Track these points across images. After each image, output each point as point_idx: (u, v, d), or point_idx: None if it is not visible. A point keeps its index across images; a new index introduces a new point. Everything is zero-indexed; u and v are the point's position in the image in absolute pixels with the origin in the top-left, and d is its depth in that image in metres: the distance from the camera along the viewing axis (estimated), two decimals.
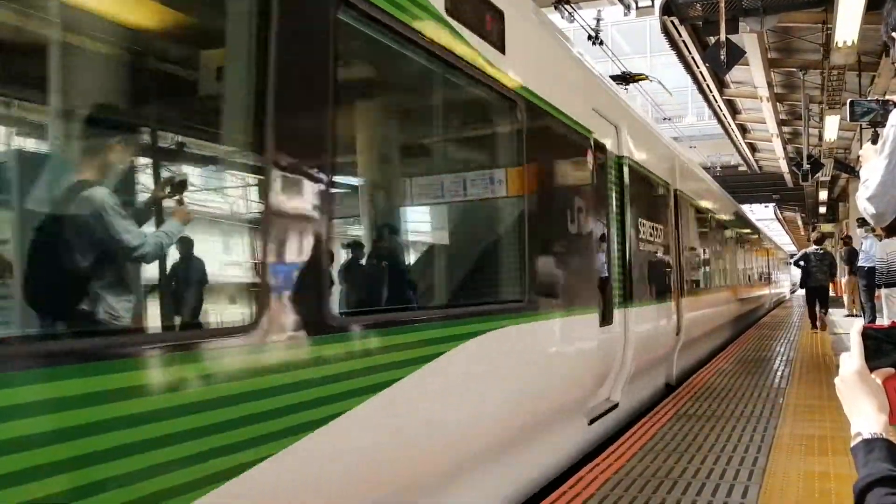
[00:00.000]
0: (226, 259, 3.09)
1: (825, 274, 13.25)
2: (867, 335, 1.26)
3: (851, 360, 1.26)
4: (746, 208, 27.09)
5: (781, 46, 12.48)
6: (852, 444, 1.20)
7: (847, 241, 16.82)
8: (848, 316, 16.44)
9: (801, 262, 13.46)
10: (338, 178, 3.36)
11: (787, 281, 38.15)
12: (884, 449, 1.16)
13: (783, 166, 21.13)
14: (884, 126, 2.71)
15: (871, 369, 1.25)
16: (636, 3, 12.69)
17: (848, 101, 2.97)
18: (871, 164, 2.60)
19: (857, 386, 1.24)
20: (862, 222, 12.70)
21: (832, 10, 8.09)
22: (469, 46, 3.45)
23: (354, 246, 4.16)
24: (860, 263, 12.42)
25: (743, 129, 19.42)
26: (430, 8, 3.14)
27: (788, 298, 33.73)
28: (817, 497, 3.73)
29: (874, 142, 2.94)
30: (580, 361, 4.92)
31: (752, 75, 12.79)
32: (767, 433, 5.15)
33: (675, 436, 5.15)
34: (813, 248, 13.66)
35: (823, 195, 23.87)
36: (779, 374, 8.13)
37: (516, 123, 4.05)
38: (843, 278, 16.78)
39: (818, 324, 13.51)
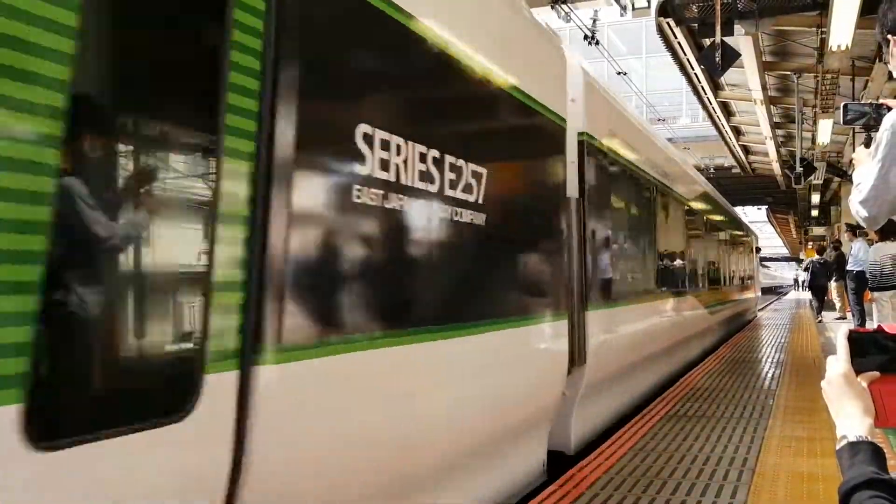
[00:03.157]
0: None
1: (826, 277, 17.19)
2: (853, 338, 1.27)
3: (838, 364, 1.27)
4: (739, 210, 26.96)
5: (776, 50, 12.53)
6: (837, 446, 1.22)
7: (837, 245, 17.18)
8: (839, 319, 16.53)
9: (808, 268, 17.99)
10: None
11: (756, 285, 21.73)
12: (868, 452, 1.17)
13: (776, 169, 21.20)
14: (877, 130, 2.72)
15: (857, 372, 1.26)
16: (632, 4, 12.71)
17: (841, 104, 2.98)
18: (864, 167, 2.61)
19: (842, 389, 1.25)
20: (847, 227, 14.16)
21: (827, 14, 8.12)
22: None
23: None
24: (849, 267, 12.50)
25: (737, 132, 19.48)
26: None
27: (754, 318, 18.93)
28: (805, 498, 3.76)
29: (867, 145, 2.95)
30: None
31: (746, 78, 12.84)
32: (757, 434, 5.17)
33: (665, 436, 5.17)
34: (815, 257, 17.75)
35: (816, 198, 23.95)
36: (769, 375, 8.16)
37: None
38: (833, 282, 17.07)
39: (818, 315, 17.26)
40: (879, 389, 1.25)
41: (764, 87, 13.19)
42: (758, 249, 22.11)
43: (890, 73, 10.60)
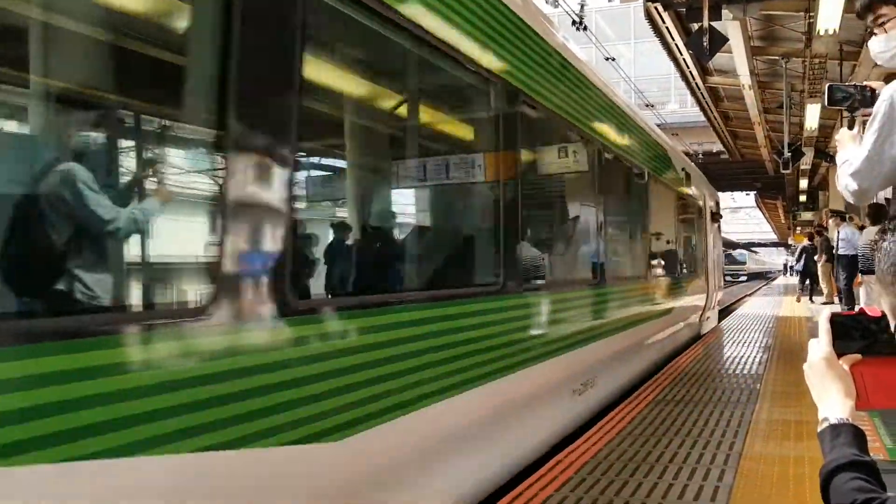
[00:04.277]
0: None
1: (814, 262, 18.10)
2: (835, 321, 1.27)
3: (819, 346, 1.27)
4: (727, 196, 26.92)
5: (765, 34, 12.52)
6: (819, 429, 1.22)
7: (820, 231, 17.46)
8: (825, 303, 16.63)
9: (801, 254, 18.94)
10: None
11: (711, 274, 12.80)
12: (850, 434, 1.17)
13: (765, 154, 21.27)
14: (860, 110, 2.72)
15: (839, 355, 1.26)
16: None
17: (826, 86, 2.97)
18: (851, 146, 2.61)
19: (824, 372, 1.25)
20: (832, 213, 15.12)
21: None
22: None
23: None
24: (841, 252, 12.55)
25: (725, 117, 19.50)
26: None
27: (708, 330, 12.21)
28: (792, 481, 3.78)
29: (850, 127, 2.96)
30: None
31: (735, 63, 12.83)
32: (744, 418, 5.20)
33: (653, 420, 5.19)
34: (806, 242, 19.17)
35: (804, 183, 24.07)
36: (756, 360, 8.21)
37: None
38: (819, 266, 17.25)
39: (801, 295, 18.52)
40: (861, 371, 1.24)
41: (752, 72, 13.19)
42: (716, 216, 14.09)
43: None
